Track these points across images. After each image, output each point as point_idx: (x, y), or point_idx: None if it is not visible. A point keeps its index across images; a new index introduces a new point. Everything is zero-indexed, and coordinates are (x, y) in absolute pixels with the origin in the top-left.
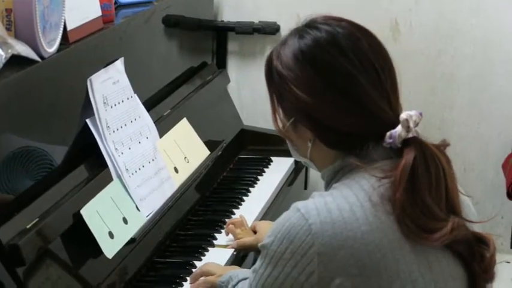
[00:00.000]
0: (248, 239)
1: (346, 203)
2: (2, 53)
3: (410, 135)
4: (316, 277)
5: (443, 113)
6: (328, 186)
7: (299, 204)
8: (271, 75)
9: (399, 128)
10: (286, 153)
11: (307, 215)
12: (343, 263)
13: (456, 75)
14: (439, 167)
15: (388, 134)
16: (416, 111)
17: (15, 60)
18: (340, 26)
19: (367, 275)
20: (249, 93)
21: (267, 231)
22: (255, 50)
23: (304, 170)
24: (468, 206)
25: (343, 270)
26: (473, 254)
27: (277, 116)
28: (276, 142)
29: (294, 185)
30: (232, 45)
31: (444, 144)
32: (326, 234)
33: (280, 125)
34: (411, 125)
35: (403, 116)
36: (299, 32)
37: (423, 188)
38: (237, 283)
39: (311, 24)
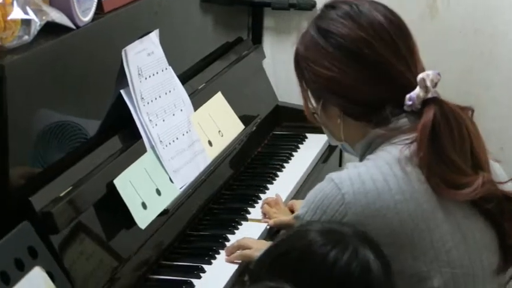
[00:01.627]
0: (284, 218)
1: (380, 173)
2: (37, 20)
3: (429, 95)
4: None
5: (480, 92)
6: (362, 159)
7: (333, 174)
8: (298, 62)
9: (417, 88)
10: (321, 131)
11: (341, 185)
12: (376, 232)
13: (495, 53)
14: (461, 124)
15: (407, 96)
16: (434, 70)
17: (49, 30)
18: (358, 2)
19: (400, 244)
20: (284, 70)
21: None
22: (290, 26)
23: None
24: (498, 169)
25: (377, 240)
26: (503, 212)
27: (309, 104)
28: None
29: (328, 162)
30: (268, 21)
31: (468, 108)
32: (359, 204)
33: (313, 111)
34: (428, 83)
35: (420, 75)
36: (318, 15)
37: (446, 144)
38: None
39: (330, 5)
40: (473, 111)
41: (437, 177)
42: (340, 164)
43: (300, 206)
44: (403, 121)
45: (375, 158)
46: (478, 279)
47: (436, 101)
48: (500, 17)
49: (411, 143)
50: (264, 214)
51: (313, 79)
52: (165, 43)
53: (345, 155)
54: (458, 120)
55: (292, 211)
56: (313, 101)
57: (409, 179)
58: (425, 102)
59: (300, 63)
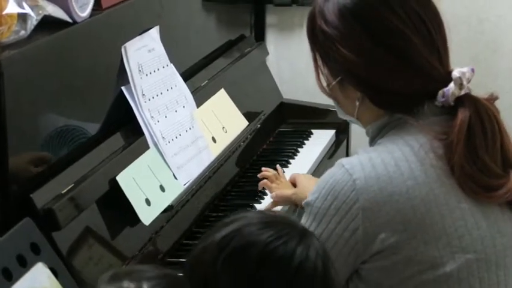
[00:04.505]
0: (286, 191)
1: (391, 158)
2: (33, 15)
3: (463, 92)
4: (361, 233)
5: (487, 82)
6: (372, 142)
7: (343, 160)
8: (314, 33)
9: (452, 85)
10: (327, 126)
11: (352, 171)
12: (388, 218)
13: (499, 43)
14: (493, 123)
15: (440, 92)
16: (469, 67)
17: (47, 26)
18: None
19: (412, 231)
20: (287, 66)
21: (306, 184)
22: (293, 22)
23: (345, 142)
24: None
25: (388, 226)
26: None
27: (321, 76)
28: (317, 115)
29: (334, 158)
30: (270, 18)
31: (493, 98)
32: (371, 189)
33: (324, 84)
34: (464, 82)
35: (455, 73)
36: None
37: (480, 146)
38: None
39: None
40: (497, 98)
41: (471, 181)
42: None
43: (302, 179)
44: (429, 113)
45: (386, 143)
46: (491, 264)
47: (470, 99)
48: (503, 4)
49: (436, 137)
50: (263, 189)
51: (335, 59)
52: (168, 40)
53: (352, 149)
54: (491, 119)
55: (294, 185)
56: (326, 73)
57: (422, 163)
58: (459, 99)
59: (319, 38)
